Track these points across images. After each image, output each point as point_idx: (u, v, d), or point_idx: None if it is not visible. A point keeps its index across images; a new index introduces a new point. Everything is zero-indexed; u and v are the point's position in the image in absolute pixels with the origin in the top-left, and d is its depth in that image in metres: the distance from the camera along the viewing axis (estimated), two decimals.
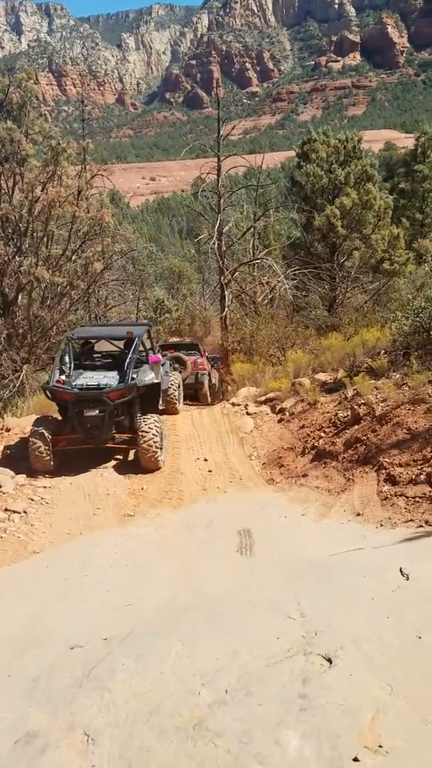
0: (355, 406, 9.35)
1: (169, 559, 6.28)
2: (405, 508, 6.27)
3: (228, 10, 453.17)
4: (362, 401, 9.48)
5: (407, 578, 4.02)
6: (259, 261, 19.34)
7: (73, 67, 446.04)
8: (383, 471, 7.28)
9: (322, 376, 12.48)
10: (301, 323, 18.34)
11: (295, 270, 19.57)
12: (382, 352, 12.59)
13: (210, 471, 9.95)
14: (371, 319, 17.55)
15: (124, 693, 3.31)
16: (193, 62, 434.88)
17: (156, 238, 66.83)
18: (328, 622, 3.55)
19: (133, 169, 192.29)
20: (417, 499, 6.31)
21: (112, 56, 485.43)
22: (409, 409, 8.28)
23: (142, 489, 9.39)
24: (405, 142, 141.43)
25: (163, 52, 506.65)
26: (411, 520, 5.96)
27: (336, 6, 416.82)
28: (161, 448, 10.05)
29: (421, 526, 5.75)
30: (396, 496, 6.58)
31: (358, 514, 6.59)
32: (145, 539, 7.29)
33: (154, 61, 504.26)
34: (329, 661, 3.15)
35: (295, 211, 20.52)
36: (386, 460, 7.44)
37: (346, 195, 20.57)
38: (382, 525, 6.10)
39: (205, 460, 10.44)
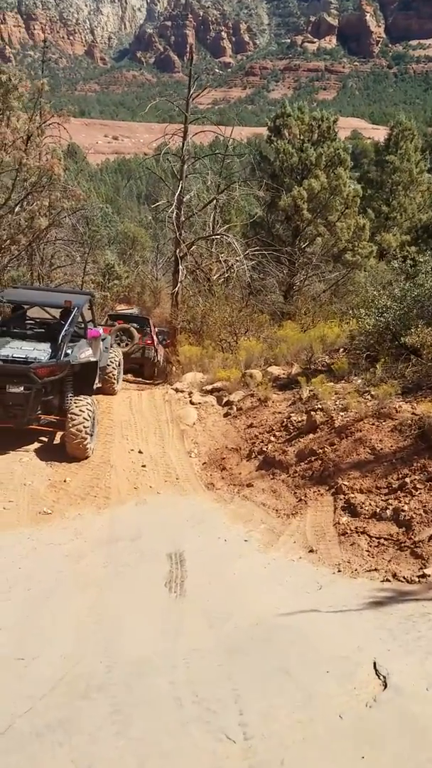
0: (312, 412, 8.39)
1: (82, 590, 5.16)
2: (367, 551, 5.33)
3: None
4: (319, 406, 8.53)
5: (385, 685, 3.05)
6: (218, 237, 18.11)
7: (44, 12, 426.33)
8: (341, 496, 6.33)
9: (275, 370, 11.52)
10: (256, 307, 17.32)
11: (254, 250, 18.45)
12: (341, 350, 11.74)
13: (144, 466, 8.86)
14: (328, 311, 16.73)
15: None
16: (168, 23, 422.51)
17: (113, 199, 64.55)
18: (282, 755, 2.54)
19: (96, 126, 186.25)
20: (382, 541, 5.38)
21: (86, 5, 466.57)
22: (373, 424, 7.35)
23: (65, 481, 8.22)
24: (372, 132, 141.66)
25: (139, 9, 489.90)
26: (375, 570, 5.02)
27: None
28: (92, 435, 8.89)
29: (387, 580, 4.81)
30: (357, 532, 5.64)
31: (311, 551, 5.61)
32: (59, 551, 6.15)
33: (128, 16, 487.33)
34: None
35: (262, 188, 19.30)
36: (345, 482, 6.49)
37: (315, 177, 19.48)
38: (340, 570, 5.13)
39: (140, 452, 9.34)
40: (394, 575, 4.85)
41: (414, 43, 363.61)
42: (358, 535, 5.60)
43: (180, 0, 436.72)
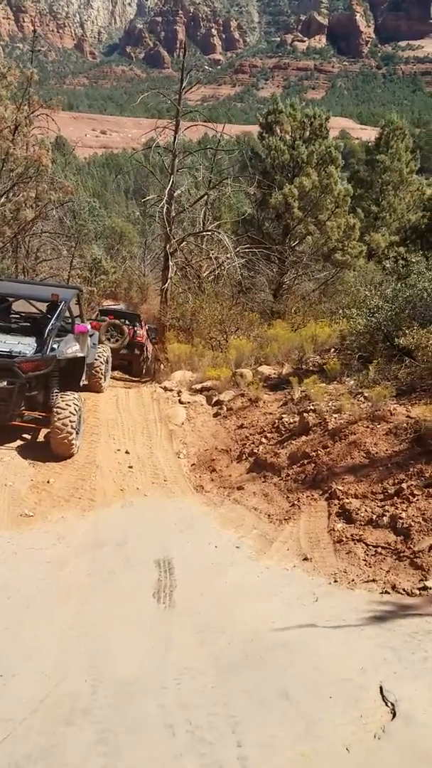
0: (304, 413, 8.18)
1: (65, 599, 4.90)
2: (365, 561, 5.12)
3: None
4: (312, 407, 8.33)
5: (393, 713, 2.83)
6: (210, 233, 17.84)
7: (33, 4, 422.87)
8: (336, 501, 6.11)
9: (266, 369, 11.31)
10: (245, 306, 17.11)
11: (244, 248, 18.21)
12: (332, 350, 11.56)
13: (130, 467, 8.59)
14: (318, 310, 16.58)
15: None
16: (159, 19, 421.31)
17: (100, 193, 64.07)
18: None
19: (84, 119, 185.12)
20: (379, 549, 5.16)
21: None
22: (368, 427, 7.15)
23: (48, 482, 7.92)
24: (360, 132, 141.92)
25: (129, 4, 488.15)
26: (373, 580, 4.80)
27: None
28: (77, 432, 8.63)
29: (386, 591, 4.60)
30: (353, 540, 5.41)
31: (306, 559, 5.38)
32: (40, 557, 5.87)
33: (118, 11, 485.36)
34: None
35: (254, 185, 19.03)
36: (340, 487, 6.27)
37: (307, 175, 19.31)
38: (336, 581, 4.91)
39: (127, 452, 9.07)
40: (394, 587, 4.64)
41: (403, 44, 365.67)
42: (355, 543, 5.38)
43: None
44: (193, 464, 8.76)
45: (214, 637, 4.06)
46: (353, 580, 4.88)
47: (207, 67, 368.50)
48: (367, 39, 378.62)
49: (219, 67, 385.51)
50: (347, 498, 6.07)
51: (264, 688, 3.20)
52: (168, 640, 4.09)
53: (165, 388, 11.64)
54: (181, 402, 10.84)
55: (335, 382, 9.27)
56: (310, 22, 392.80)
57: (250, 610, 4.47)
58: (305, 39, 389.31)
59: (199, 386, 11.41)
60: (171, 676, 3.50)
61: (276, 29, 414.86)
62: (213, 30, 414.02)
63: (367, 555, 5.19)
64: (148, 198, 20.17)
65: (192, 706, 3.10)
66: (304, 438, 7.79)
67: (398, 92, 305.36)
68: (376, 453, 6.61)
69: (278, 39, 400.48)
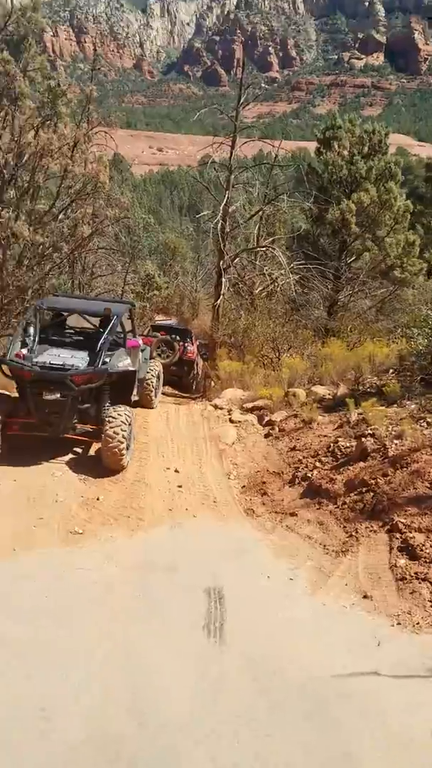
0: (362, 438, 7.84)
1: (110, 624, 4.71)
2: (431, 602, 4.76)
3: None
4: (370, 432, 7.97)
5: None
6: (264, 249, 17.66)
7: (95, 25, 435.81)
8: (398, 535, 5.76)
9: (320, 390, 10.98)
10: (299, 323, 16.82)
11: (299, 264, 17.96)
12: (390, 370, 11.15)
13: (180, 486, 8.39)
14: (375, 329, 16.16)
15: None
16: (217, 38, 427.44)
17: (155, 210, 64.83)
18: None
19: (141, 137, 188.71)
20: None
21: (136, 20, 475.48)
22: None
23: (98, 499, 7.80)
24: (418, 149, 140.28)
25: (188, 24, 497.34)
26: None
27: (366, 4, 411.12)
28: (128, 446, 8.50)
29: None
30: (418, 579, 5.06)
31: (366, 596, 5.05)
32: (88, 578, 5.72)
33: (177, 31, 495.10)
34: None
35: (311, 200, 18.76)
36: (402, 520, 5.91)
37: (365, 191, 18.97)
38: (399, 623, 4.57)
39: (176, 471, 8.88)
40: None
41: None
42: (420, 582, 5.02)
43: (229, 15, 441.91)
44: (244, 486, 8.49)
45: (267, 679, 3.79)
46: (418, 623, 4.53)
47: (263, 85, 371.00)
48: (426, 56, 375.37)
49: (275, 84, 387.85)
50: (410, 532, 5.70)
51: (326, 745, 2.92)
52: (218, 680, 3.84)
53: (215, 406, 11.43)
54: (231, 421, 10.60)
55: (395, 406, 8.88)
56: (367, 40, 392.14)
57: (307, 651, 4.19)
58: (362, 57, 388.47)
59: (250, 405, 11.16)
60: (222, 721, 3.25)
61: (333, 47, 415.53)
62: (270, 48, 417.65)
63: None
64: (202, 214, 20.17)
65: (245, 761, 2.84)
66: (361, 464, 7.43)
67: None
68: None
69: (335, 57, 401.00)
